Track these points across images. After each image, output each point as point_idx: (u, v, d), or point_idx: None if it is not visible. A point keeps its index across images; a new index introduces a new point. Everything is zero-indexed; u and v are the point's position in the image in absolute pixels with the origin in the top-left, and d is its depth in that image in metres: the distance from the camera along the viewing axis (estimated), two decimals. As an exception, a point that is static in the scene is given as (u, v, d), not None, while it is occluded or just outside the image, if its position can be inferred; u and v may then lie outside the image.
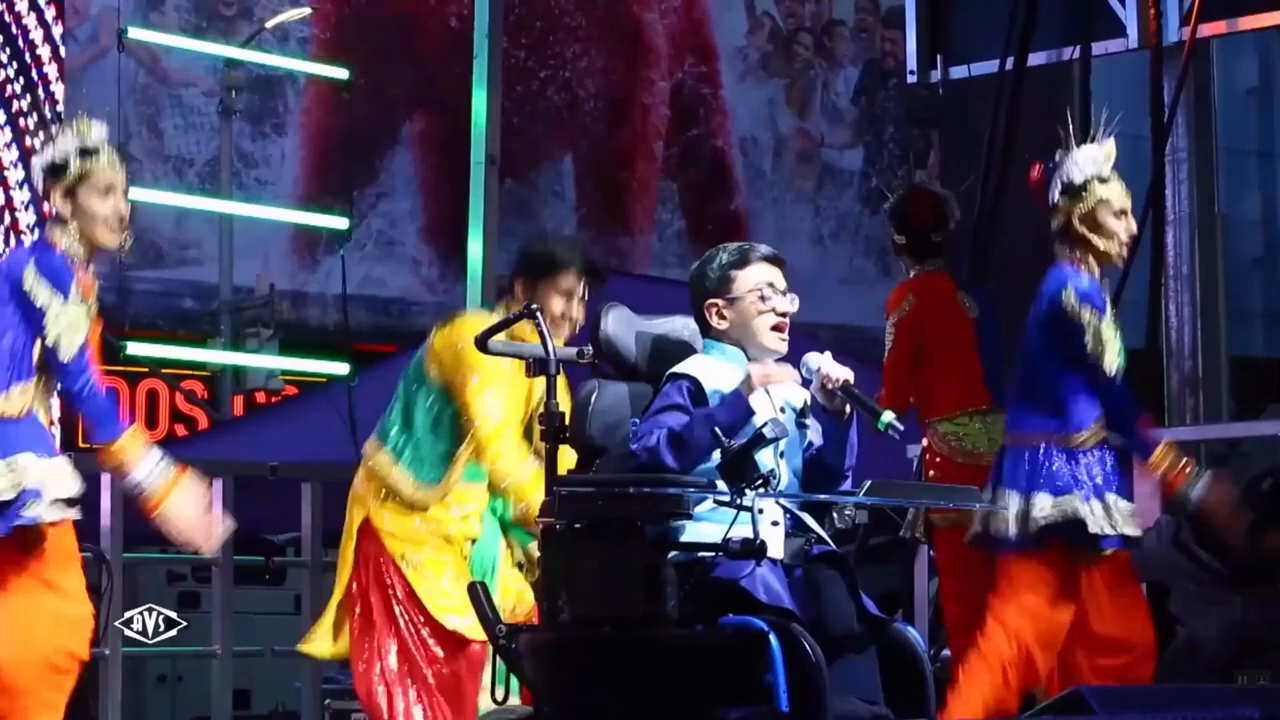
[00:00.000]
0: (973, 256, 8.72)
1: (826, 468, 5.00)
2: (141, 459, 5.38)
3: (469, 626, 5.69)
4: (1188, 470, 5.86)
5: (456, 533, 5.95)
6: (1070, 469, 5.82)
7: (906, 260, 7.23)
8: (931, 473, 6.90)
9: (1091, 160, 5.93)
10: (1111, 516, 5.80)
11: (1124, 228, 5.92)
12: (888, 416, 4.87)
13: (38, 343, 5.35)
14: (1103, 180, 5.91)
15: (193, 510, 5.42)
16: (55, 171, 5.46)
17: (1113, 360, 5.81)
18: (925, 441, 7.00)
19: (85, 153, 5.47)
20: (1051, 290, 5.88)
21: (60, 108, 13.83)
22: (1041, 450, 5.86)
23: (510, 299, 5.94)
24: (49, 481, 5.31)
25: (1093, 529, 5.77)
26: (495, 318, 5.71)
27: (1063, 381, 5.87)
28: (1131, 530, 5.87)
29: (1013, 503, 5.83)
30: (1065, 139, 5.97)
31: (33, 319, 5.32)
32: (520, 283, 5.92)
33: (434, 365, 5.90)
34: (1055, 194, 5.92)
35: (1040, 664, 5.85)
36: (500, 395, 5.80)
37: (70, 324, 5.32)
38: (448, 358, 5.84)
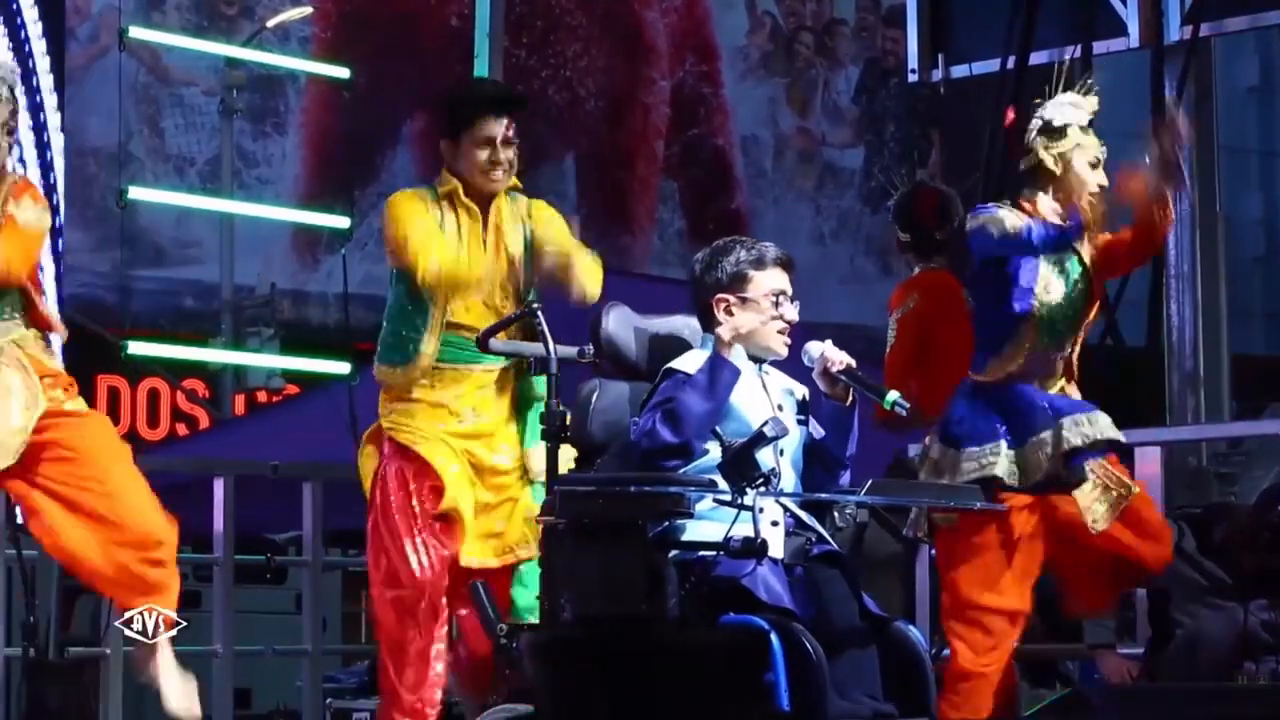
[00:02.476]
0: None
1: (826, 456, 5.01)
2: None
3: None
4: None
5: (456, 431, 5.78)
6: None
7: (911, 258, 7.22)
8: None
9: (1073, 106, 5.90)
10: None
11: (1096, 179, 5.86)
12: (893, 395, 4.89)
13: None
14: (1082, 128, 5.87)
15: None
16: None
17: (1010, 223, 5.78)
18: (928, 439, 6.98)
19: None
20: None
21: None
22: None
23: (444, 165, 5.82)
24: None
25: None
26: (424, 195, 5.73)
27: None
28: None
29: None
30: (1049, 89, 5.93)
31: None
32: (444, 145, 5.80)
33: (387, 250, 5.83)
34: (1032, 134, 5.88)
35: None
36: (420, 228, 5.70)
37: None
38: (385, 231, 5.78)
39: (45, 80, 13.38)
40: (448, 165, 5.80)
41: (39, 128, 14.06)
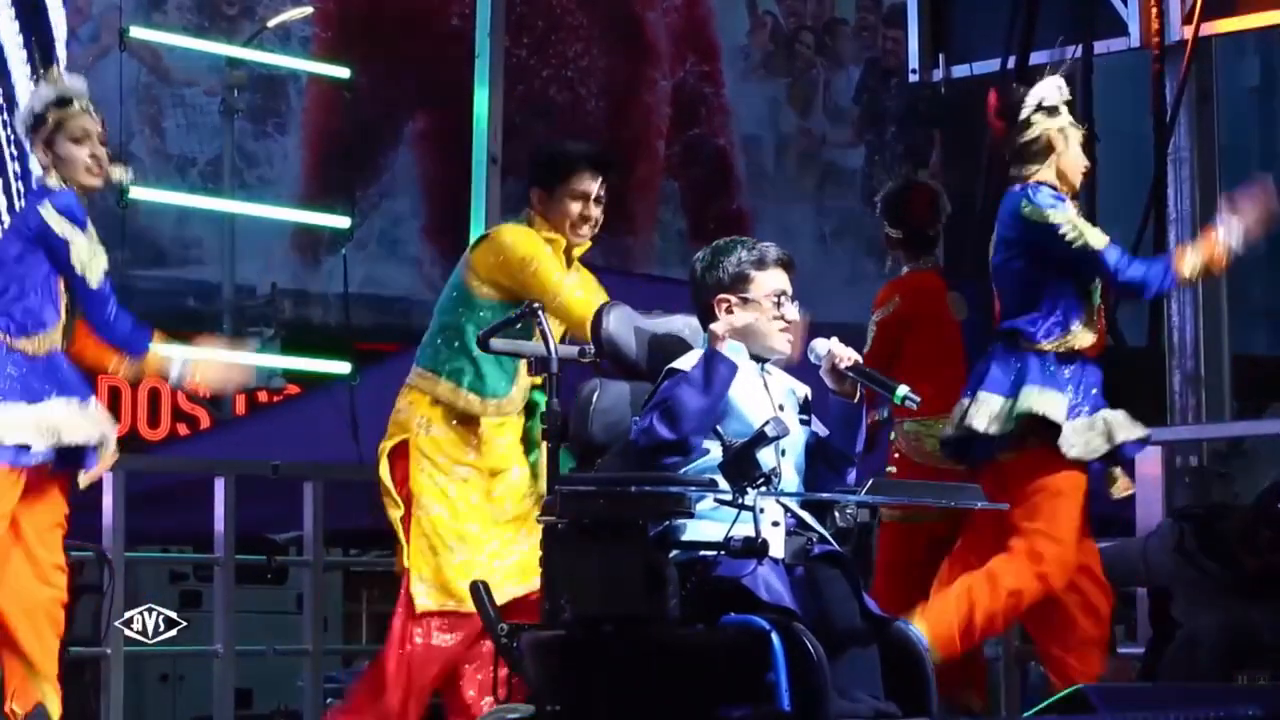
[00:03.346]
0: (973, 255, 8.70)
1: (831, 453, 5.00)
2: (171, 361, 6.08)
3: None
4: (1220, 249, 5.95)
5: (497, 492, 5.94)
6: (1058, 375, 6.00)
7: (901, 254, 7.21)
8: (891, 469, 6.90)
9: (1059, 89, 6.09)
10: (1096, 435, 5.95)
11: (1083, 160, 6.12)
12: (903, 390, 4.89)
13: (62, 282, 5.76)
14: (1068, 106, 6.10)
15: (222, 366, 6.42)
16: (35, 123, 5.90)
17: (1098, 238, 5.93)
18: (891, 435, 7.02)
19: (60, 102, 5.91)
20: (1012, 210, 6.02)
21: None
22: (1031, 356, 6.01)
23: (529, 210, 5.97)
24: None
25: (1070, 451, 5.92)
26: (525, 227, 5.87)
27: (1050, 289, 6.04)
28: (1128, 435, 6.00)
29: (994, 403, 5.98)
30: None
31: (59, 255, 5.75)
32: (536, 194, 5.96)
33: (481, 280, 5.89)
34: (1028, 110, 6.03)
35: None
36: (555, 264, 5.86)
37: (92, 254, 5.82)
38: (495, 263, 5.86)
39: (20, 73, 13.29)
40: (539, 213, 5.93)
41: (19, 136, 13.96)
